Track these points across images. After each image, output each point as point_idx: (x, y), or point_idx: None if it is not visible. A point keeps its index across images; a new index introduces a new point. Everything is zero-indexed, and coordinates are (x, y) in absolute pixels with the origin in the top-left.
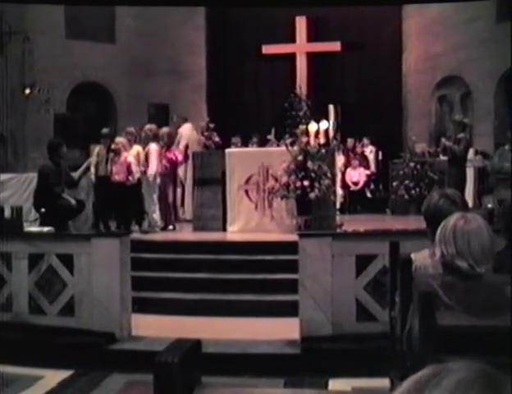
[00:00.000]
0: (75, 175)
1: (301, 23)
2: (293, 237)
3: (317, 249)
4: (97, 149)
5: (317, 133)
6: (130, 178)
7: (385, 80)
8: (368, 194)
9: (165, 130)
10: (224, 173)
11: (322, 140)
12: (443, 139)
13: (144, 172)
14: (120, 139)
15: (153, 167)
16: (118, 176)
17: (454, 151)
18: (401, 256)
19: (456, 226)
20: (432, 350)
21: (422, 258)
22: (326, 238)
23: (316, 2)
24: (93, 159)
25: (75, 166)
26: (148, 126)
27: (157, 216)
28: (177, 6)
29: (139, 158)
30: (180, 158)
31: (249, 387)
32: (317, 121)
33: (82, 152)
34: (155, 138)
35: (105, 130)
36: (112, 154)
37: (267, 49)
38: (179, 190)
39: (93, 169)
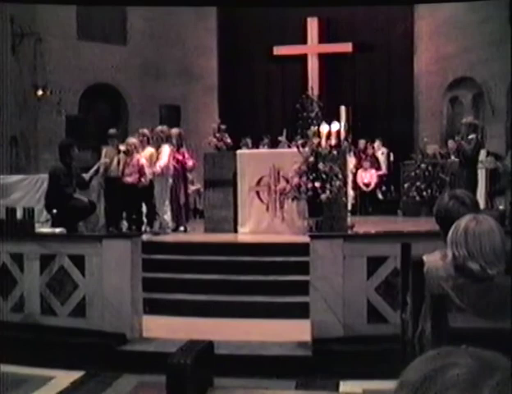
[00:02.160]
0: (86, 176)
1: (312, 24)
2: (304, 239)
3: (329, 251)
4: (105, 150)
5: (328, 134)
6: (143, 180)
7: (396, 82)
8: (380, 196)
9: (175, 131)
10: (235, 174)
11: (333, 142)
12: (450, 141)
13: (157, 173)
14: (132, 141)
15: (160, 164)
16: (130, 178)
17: (465, 150)
18: (413, 258)
19: (468, 228)
20: None
21: (434, 260)
22: (338, 239)
23: (326, 1)
24: (102, 160)
25: (86, 167)
26: (159, 128)
27: (168, 217)
28: (187, 6)
29: (151, 159)
30: (189, 162)
31: (260, 388)
32: (329, 123)
33: (93, 153)
34: (168, 139)
35: (112, 131)
36: (122, 155)
37: (279, 50)
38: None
39: (102, 170)
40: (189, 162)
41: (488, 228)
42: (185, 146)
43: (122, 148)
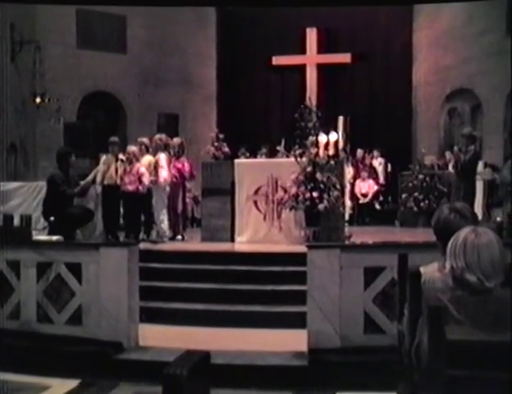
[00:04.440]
0: (83, 184)
1: (311, 34)
2: (301, 248)
3: (326, 261)
4: (104, 158)
5: (326, 144)
6: (140, 188)
7: (394, 92)
8: (377, 206)
9: (176, 140)
10: (233, 184)
11: (331, 152)
12: (447, 153)
13: (155, 182)
14: (132, 149)
15: (163, 175)
16: (130, 186)
17: (462, 161)
18: (410, 269)
19: (467, 240)
20: (440, 365)
21: (431, 271)
22: (335, 250)
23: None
24: (100, 168)
25: (84, 174)
26: (157, 136)
27: (165, 226)
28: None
29: (150, 167)
30: (188, 169)
31: None
32: (327, 133)
33: (92, 161)
34: (166, 148)
35: (113, 139)
36: (120, 163)
37: (277, 60)
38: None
39: (99, 178)
40: (187, 168)
41: (487, 241)
42: (185, 156)
43: (121, 156)
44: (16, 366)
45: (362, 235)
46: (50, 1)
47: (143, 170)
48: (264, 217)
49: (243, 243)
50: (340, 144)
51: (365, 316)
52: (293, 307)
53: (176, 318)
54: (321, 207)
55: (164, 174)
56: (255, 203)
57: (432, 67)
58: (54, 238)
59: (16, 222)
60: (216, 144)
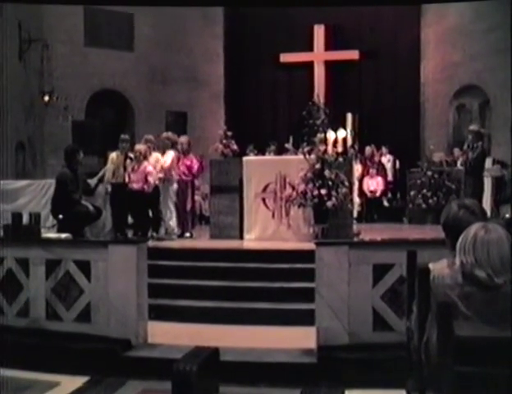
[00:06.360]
0: (92, 182)
1: (319, 31)
2: (310, 246)
3: (334, 258)
4: (112, 155)
5: (334, 141)
6: (146, 187)
7: (403, 89)
8: (385, 203)
9: (184, 138)
10: (241, 181)
11: (339, 149)
12: (456, 149)
13: (163, 180)
14: (140, 147)
15: (168, 164)
16: (137, 185)
17: (468, 157)
18: (419, 266)
19: (477, 236)
20: (449, 361)
21: (440, 268)
22: (343, 247)
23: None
24: (108, 166)
25: (92, 173)
26: (165, 134)
27: (173, 223)
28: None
29: (157, 165)
30: (196, 166)
31: None
32: (335, 130)
33: (100, 159)
34: (173, 146)
35: (124, 136)
36: (129, 161)
37: (285, 58)
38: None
39: (108, 175)
40: (196, 166)
41: (497, 237)
42: (191, 153)
43: (130, 154)
44: (25, 363)
45: (370, 232)
46: (54, 1)
47: (150, 169)
48: (273, 215)
49: (251, 240)
50: (349, 141)
51: (374, 313)
52: (301, 304)
53: (184, 315)
54: (329, 204)
55: (165, 166)
56: (263, 200)
57: (439, 64)
58: (63, 236)
59: (25, 219)
60: (224, 141)
